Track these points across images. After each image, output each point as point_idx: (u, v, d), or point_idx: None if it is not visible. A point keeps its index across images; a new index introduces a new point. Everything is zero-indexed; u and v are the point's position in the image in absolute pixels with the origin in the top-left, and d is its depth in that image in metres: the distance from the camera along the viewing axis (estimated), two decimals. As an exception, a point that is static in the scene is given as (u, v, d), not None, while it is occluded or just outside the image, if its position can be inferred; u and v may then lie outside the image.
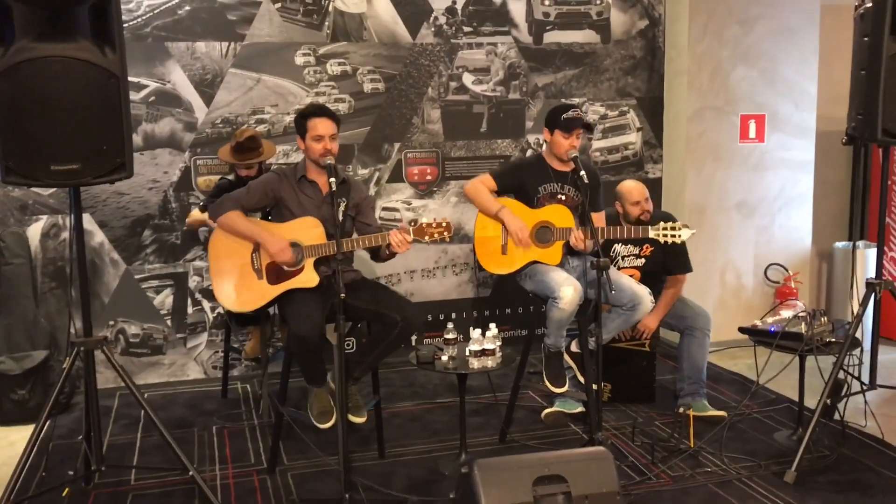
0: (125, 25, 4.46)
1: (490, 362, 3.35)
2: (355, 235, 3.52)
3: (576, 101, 5.27)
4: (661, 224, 3.45)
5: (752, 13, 5.18)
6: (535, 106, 5.21)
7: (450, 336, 3.43)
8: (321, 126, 3.27)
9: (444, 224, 3.16)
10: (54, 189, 4.47)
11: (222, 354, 4.65)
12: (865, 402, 3.69)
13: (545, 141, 3.69)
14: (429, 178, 5.09)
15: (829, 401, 3.52)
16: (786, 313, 3.74)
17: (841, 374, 3.56)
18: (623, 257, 4.22)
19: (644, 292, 3.55)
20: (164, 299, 4.75)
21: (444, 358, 3.41)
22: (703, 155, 5.27)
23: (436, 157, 5.08)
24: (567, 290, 3.43)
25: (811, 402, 3.67)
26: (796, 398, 3.76)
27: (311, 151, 3.29)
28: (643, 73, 5.39)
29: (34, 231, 4.50)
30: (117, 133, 2.85)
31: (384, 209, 5.03)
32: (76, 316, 4.47)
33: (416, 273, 5.11)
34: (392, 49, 4.92)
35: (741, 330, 3.75)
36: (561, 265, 3.62)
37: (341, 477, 2.97)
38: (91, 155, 2.82)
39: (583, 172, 3.43)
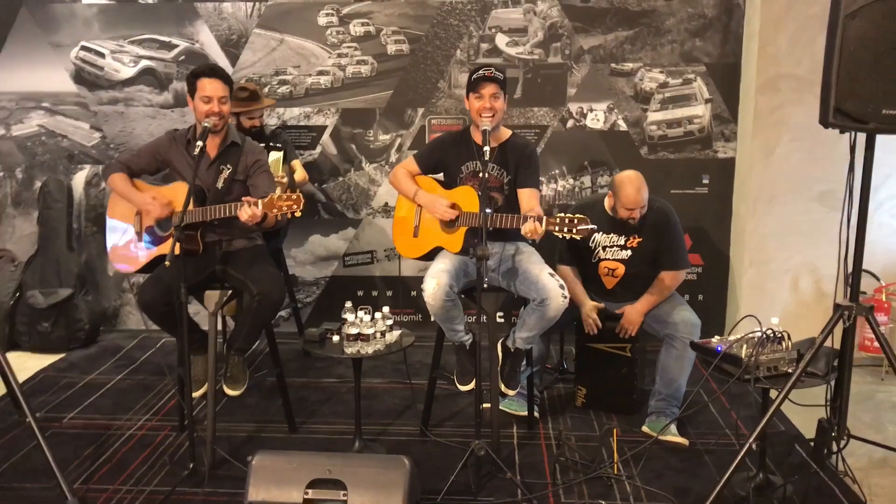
0: (152, -14, 4.66)
1: (368, 349, 3.10)
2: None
3: (629, 66, 4.66)
4: (559, 215, 2.94)
5: (855, -40, 4.21)
6: (580, 71, 4.67)
7: (348, 316, 3.22)
8: (209, 87, 3.16)
9: (293, 197, 2.94)
10: (97, 140, 4.84)
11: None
12: (839, 452, 2.91)
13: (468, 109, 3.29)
14: (453, 146, 4.78)
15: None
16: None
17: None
18: (604, 248, 3.68)
19: (553, 284, 3.07)
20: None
21: (336, 339, 3.22)
22: (777, 133, 4.42)
23: (462, 124, 4.76)
24: (429, 283, 3.10)
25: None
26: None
27: (198, 113, 3.20)
28: (716, 36, 4.61)
29: (79, 179, 4.91)
30: None
31: (404, 177, 4.83)
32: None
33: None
34: (418, 8, 4.66)
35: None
36: (466, 252, 3.26)
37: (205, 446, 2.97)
38: None
39: (486, 148, 3.00)
